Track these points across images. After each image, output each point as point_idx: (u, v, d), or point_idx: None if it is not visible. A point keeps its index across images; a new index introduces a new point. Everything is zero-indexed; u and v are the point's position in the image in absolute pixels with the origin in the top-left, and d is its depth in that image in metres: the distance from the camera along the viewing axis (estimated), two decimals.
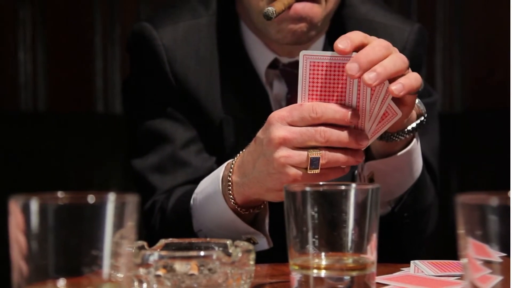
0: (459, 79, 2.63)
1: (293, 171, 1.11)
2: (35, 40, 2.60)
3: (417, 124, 1.22)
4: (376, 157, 1.26)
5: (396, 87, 1.08)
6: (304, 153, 1.11)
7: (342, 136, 1.10)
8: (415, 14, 2.58)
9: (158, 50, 1.45)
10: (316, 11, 1.37)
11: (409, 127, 1.21)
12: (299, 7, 1.35)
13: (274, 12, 1.27)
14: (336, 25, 1.49)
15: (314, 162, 1.11)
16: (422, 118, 1.23)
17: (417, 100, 1.21)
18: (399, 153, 1.25)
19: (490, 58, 2.63)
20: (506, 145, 2.40)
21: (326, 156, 1.11)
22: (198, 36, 1.47)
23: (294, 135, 1.10)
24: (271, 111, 1.45)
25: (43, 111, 2.61)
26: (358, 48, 1.10)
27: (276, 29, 1.38)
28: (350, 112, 1.10)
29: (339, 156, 1.11)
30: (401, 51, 1.48)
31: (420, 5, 2.61)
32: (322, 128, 1.10)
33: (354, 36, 1.10)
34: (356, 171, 1.31)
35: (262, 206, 1.24)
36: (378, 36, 1.30)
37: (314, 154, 1.10)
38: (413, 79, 1.11)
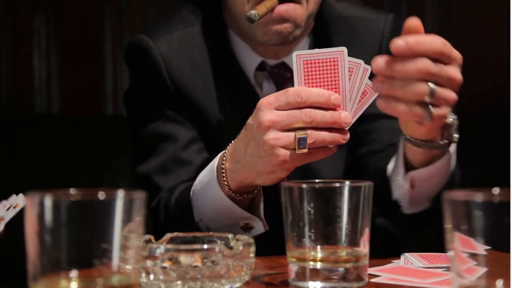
0: None
1: (282, 152, 1.11)
2: (49, 47, 2.60)
3: (445, 143, 1.18)
4: (416, 166, 1.22)
5: (379, 102, 1.07)
6: (292, 134, 1.11)
7: (326, 116, 1.10)
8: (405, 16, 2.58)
9: (156, 58, 1.45)
10: (299, 12, 1.36)
11: (442, 142, 1.18)
12: (282, 9, 1.35)
13: (256, 15, 1.27)
14: (318, 25, 1.49)
15: (301, 142, 1.11)
16: (453, 141, 1.19)
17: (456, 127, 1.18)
18: (439, 161, 1.20)
19: (476, 64, 2.63)
20: (491, 145, 2.40)
21: (312, 136, 1.11)
22: (191, 44, 1.47)
23: (281, 117, 1.11)
24: None
25: (56, 113, 2.61)
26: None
27: (263, 31, 1.38)
28: (333, 96, 1.10)
29: (325, 135, 1.11)
30: (380, 40, 1.49)
31: (409, 13, 2.60)
32: (307, 109, 1.10)
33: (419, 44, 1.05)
34: (397, 182, 1.26)
35: (255, 191, 1.24)
36: (355, 29, 1.29)
37: (301, 134, 1.11)
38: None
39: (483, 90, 2.62)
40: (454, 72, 1.09)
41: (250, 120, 1.16)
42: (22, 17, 2.58)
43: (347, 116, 1.11)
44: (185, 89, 1.45)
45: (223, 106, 1.46)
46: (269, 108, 1.12)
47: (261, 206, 1.26)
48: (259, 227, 1.26)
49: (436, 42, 1.06)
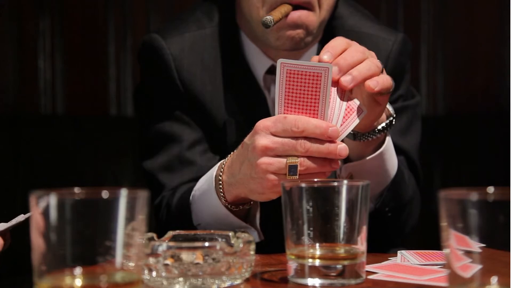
0: (442, 84, 2.63)
1: (272, 177, 1.10)
2: (54, 49, 2.59)
3: (386, 123, 1.23)
4: (353, 159, 1.26)
5: (372, 83, 1.11)
6: (283, 160, 1.09)
7: (321, 148, 1.09)
8: (402, 25, 2.58)
9: (167, 58, 1.45)
10: (311, 19, 1.37)
11: (380, 126, 1.22)
12: (295, 15, 1.35)
13: (272, 20, 1.27)
14: (328, 35, 1.49)
15: (292, 169, 1.09)
16: (391, 118, 1.24)
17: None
18: (374, 154, 1.25)
19: (471, 65, 2.63)
20: (486, 145, 2.40)
21: (305, 164, 1.09)
22: (202, 45, 1.47)
23: (276, 145, 1.09)
24: (269, 113, 1.45)
25: (61, 114, 2.60)
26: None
27: (276, 36, 1.38)
28: (330, 128, 1.08)
29: (316, 164, 1.09)
30: (385, 60, 1.49)
31: (406, 16, 2.61)
32: (303, 140, 1.09)
33: (337, 45, 1.13)
34: (336, 173, 1.31)
35: (251, 203, 1.24)
36: (365, 46, 1.30)
37: (292, 162, 1.09)
38: (385, 79, 1.14)
39: (477, 91, 2.62)
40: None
41: (247, 140, 1.15)
42: (28, 19, 2.58)
43: (344, 148, 1.09)
44: (194, 90, 1.45)
45: (231, 107, 1.46)
46: (266, 132, 1.10)
47: (257, 216, 1.26)
48: (255, 236, 1.26)
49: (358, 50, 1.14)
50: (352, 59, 1.11)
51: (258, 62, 1.47)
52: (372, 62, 1.13)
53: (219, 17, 1.49)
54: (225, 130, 1.45)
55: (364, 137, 1.22)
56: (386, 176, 1.31)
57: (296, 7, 1.35)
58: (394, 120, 1.24)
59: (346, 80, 1.09)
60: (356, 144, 1.23)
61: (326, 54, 1.11)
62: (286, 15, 1.33)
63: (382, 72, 1.15)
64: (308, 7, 1.36)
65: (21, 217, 1.06)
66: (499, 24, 2.60)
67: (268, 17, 1.27)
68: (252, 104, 1.46)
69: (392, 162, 1.31)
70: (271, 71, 1.47)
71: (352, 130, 1.15)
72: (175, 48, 1.45)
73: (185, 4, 1.72)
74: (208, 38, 1.47)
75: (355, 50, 1.13)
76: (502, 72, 2.59)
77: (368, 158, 1.25)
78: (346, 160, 1.26)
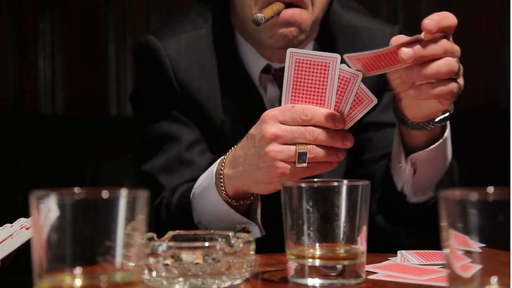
0: None
1: (281, 164, 1.11)
2: (54, 50, 2.59)
3: (444, 117, 1.20)
4: (416, 150, 1.24)
5: (415, 92, 1.07)
6: (293, 147, 1.10)
7: (329, 136, 1.10)
8: (402, 25, 2.58)
9: (163, 59, 1.45)
10: (304, 17, 1.37)
11: (437, 119, 1.19)
12: (288, 13, 1.35)
13: (263, 18, 1.27)
14: (324, 32, 1.49)
15: (301, 157, 1.10)
16: (447, 114, 1.20)
17: None
18: (438, 142, 1.23)
19: (471, 65, 2.62)
20: (486, 145, 2.40)
21: (313, 151, 1.10)
22: (198, 46, 1.47)
23: (285, 132, 1.10)
24: None
25: (61, 114, 2.61)
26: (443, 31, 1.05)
27: (268, 35, 1.38)
28: (337, 117, 1.09)
29: (325, 152, 1.11)
30: None
31: (406, 16, 2.61)
32: (311, 127, 1.10)
33: (446, 17, 1.05)
34: (399, 165, 1.28)
35: (252, 198, 1.24)
36: (362, 39, 1.28)
37: (302, 149, 1.10)
38: (452, 86, 1.08)
39: (477, 91, 2.62)
40: (455, 45, 1.09)
41: (253, 130, 1.15)
42: (28, 20, 2.58)
43: (350, 138, 1.11)
44: (191, 90, 1.45)
45: (228, 107, 1.46)
46: (274, 121, 1.11)
47: (258, 211, 1.26)
48: (256, 232, 1.26)
49: (451, 17, 1.06)
50: (429, 52, 1.04)
51: (254, 62, 1.47)
52: (446, 63, 1.06)
53: (214, 17, 1.49)
54: (223, 129, 1.45)
55: (419, 126, 1.19)
56: (446, 162, 1.28)
57: (288, 5, 1.35)
58: (452, 113, 1.21)
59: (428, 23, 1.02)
60: (408, 134, 1.21)
61: (430, 20, 1.04)
62: (279, 13, 1.33)
63: (457, 74, 1.09)
64: (301, 5, 1.36)
65: (19, 224, 1.06)
66: (499, 24, 2.60)
67: (258, 14, 1.27)
68: (248, 103, 1.46)
69: (450, 148, 1.29)
70: (267, 70, 1.47)
71: (419, 122, 1.16)
72: (171, 49, 1.45)
73: (184, 4, 1.72)
74: (204, 39, 1.47)
75: (439, 45, 1.05)
76: (502, 72, 2.59)
77: (433, 146, 1.22)
78: (408, 152, 1.25)
